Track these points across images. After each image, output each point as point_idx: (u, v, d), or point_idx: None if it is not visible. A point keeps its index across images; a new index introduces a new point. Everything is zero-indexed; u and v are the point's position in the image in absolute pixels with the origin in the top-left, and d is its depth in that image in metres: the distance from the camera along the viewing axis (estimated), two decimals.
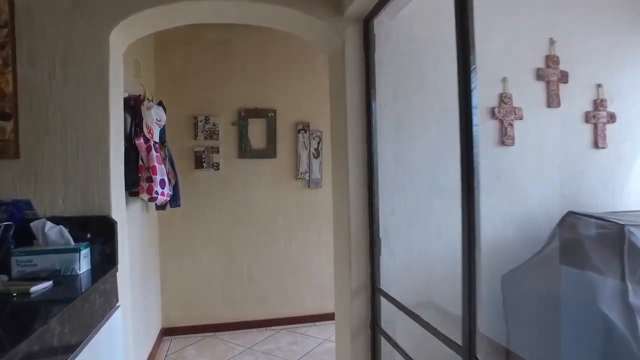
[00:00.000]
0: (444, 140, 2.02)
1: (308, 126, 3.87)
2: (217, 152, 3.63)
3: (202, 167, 3.60)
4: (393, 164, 2.00)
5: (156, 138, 2.47)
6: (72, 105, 1.71)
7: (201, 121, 3.60)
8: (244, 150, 3.70)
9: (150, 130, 2.41)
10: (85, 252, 1.52)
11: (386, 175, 1.97)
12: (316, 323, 3.86)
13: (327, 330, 3.71)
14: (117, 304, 1.67)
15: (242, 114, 3.70)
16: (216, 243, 3.67)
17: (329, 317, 3.90)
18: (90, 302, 1.34)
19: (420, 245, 2.08)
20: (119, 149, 1.92)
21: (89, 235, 1.66)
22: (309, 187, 3.89)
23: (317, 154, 3.90)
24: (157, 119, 2.48)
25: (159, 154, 2.46)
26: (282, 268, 3.83)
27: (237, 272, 3.73)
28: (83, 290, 1.30)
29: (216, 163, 3.63)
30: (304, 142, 3.84)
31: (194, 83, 3.62)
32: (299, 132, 3.84)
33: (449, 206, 2.14)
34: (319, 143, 3.90)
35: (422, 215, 2.07)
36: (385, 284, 1.97)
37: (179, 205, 3.05)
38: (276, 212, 3.81)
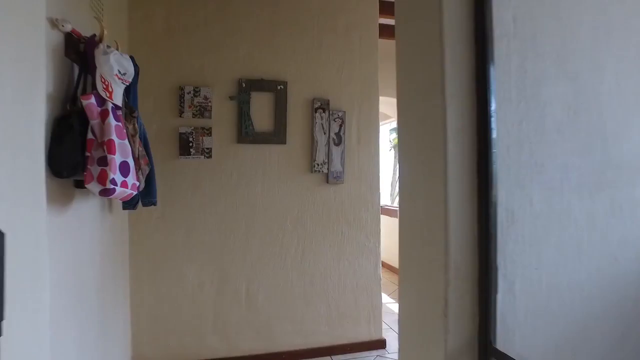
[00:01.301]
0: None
1: (327, 104, 3.04)
2: (209, 134, 2.79)
3: (189, 154, 2.75)
4: (513, 139, 1.17)
5: (117, 100, 1.62)
6: None
7: (189, 93, 2.75)
8: (245, 133, 2.86)
9: (107, 86, 1.57)
10: None
11: (502, 160, 1.15)
12: (333, 357, 3.04)
13: None
14: None
15: (243, 85, 2.86)
16: (206, 255, 2.83)
17: (347, 348, 3.07)
18: None
19: (557, 275, 1.26)
20: (39, 112, 1.08)
21: None
22: (327, 182, 3.06)
23: (339, 140, 3.07)
24: (119, 71, 1.64)
25: (120, 125, 1.61)
26: (291, 287, 3.00)
27: (233, 293, 2.88)
28: None
29: (207, 149, 2.79)
30: (322, 124, 3.01)
31: (180, 44, 2.78)
32: (315, 112, 3.01)
33: (612, 206, 1.33)
34: (340, 126, 3.07)
35: (561, 220, 1.24)
36: (502, 340, 1.14)
37: (154, 203, 2.21)
38: (285, 215, 2.98)
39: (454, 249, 1.12)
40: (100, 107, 1.53)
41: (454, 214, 1.11)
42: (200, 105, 2.77)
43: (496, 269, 1.12)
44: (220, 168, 2.84)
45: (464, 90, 1.12)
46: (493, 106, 1.12)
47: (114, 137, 1.53)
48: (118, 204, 2.26)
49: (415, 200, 1.28)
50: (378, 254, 3.27)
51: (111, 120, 1.54)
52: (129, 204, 2.14)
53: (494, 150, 1.12)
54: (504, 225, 1.16)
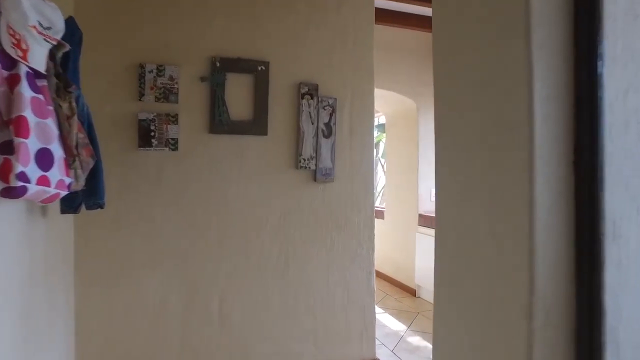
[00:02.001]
0: None
1: (316, 90, 2.63)
2: (175, 122, 2.34)
3: (150, 146, 2.29)
4: (616, 115, 0.79)
5: (36, 64, 1.17)
6: None
7: (151, 72, 2.30)
8: (219, 121, 2.42)
9: (19, 42, 1.11)
10: None
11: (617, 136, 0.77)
12: None
13: None
14: None
15: (218, 65, 2.43)
16: (171, 266, 2.38)
17: None
18: None
19: None
20: None
21: None
22: (315, 180, 2.65)
23: (329, 131, 2.66)
24: (39, 23, 1.18)
25: (42, 98, 1.16)
26: (272, 302, 2.58)
27: (204, 309, 2.44)
28: None
29: (173, 139, 2.34)
30: (309, 112, 2.60)
31: (141, 12, 2.32)
32: (302, 98, 2.59)
33: None
34: (331, 116, 2.67)
35: None
36: None
37: (101, 206, 1.76)
38: (265, 218, 2.56)
39: (542, 280, 0.72)
40: (7, 69, 1.08)
41: (543, 227, 0.72)
42: (164, 87, 2.32)
43: (602, 312, 0.73)
44: (189, 163, 2.40)
45: (560, 35, 0.73)
46: (601, 65, 0.73)
47: (27, 113, 1.08)
48: (55, 206, 1.79)
49: (466, 206, 0.88)
50: (372, 262, 2.89)
51: (24, 90, 1.09)
52: (68, 206, 1.68)
53: (601, 131, 0.73)
54: (605, 243, 0.77)
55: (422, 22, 4.83)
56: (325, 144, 2.65)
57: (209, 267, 2.44)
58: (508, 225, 0.76)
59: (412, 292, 5.35)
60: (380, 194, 9.57)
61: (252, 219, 2.53)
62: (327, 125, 2.66)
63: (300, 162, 2.58)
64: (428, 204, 5.35)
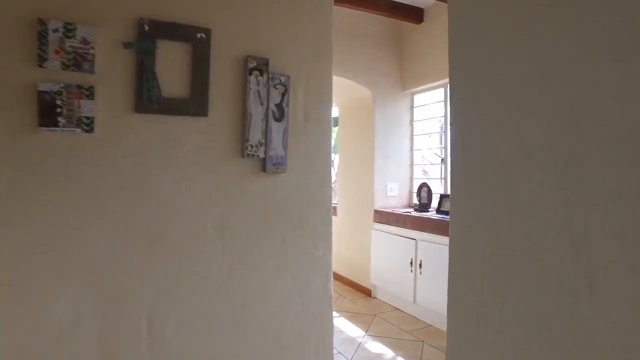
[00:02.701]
0: None
1: (266, 65, 2.26)
2: (90, 96, 1.89)
3: (56, 125, 1.83)
4: None
5: None
6: None
7: (56, 32, 1.83)
8: (147, 97, 2.00)
9: None
10: None
11: None
12: None
13: None
14: None
15: (146, 29, 2.00)
16: (85, 277, 1.92)
17: None
18: None
19: None
20: None
21: None
22: (264, 170, 2.29)
23: (281, 114, 2.31)
24: None
25: None
26: (215, 315, 2.19)
27: (128, 330, 2.01)
28: None
29: (87, 119, 1.88)
30: (258, 91, 2.24)
31: None
32: (250, 74, 2.22)
33: None
34: (283, 96, 2.32)
35: None
36: None
37: None
38: (205, 217, 2.16)
39: None
40: None
41: None
42: (75, 52, 1.86)
43: None
44: (108, 149, 1.95)
45: None
46: None
47: None
48: None
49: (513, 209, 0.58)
50: (329, 265, 2.58)
51: None
52: None
53: None
54: None
55: (381, 6, 4.57)
56: (276, 128, 2.29)
57: (135, 279, 2.01)
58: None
59: (367, 293, 5.12)
60: (333, 189, 9.32)
61: (189, 218, 2.13)
62: (279, 106, 2.30)
63: (247, 149, 2.21)
64: (384, 200, 5.12)
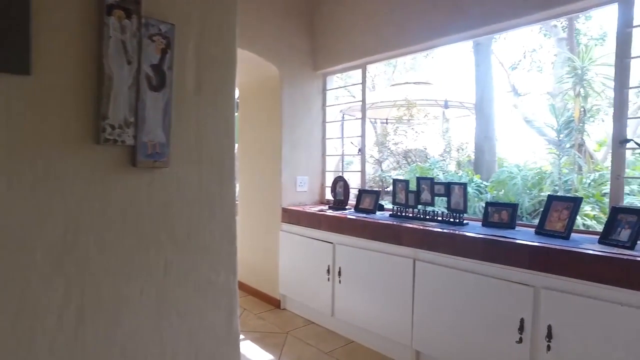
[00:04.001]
0: None
1: (137, 3, 1.51)
2: None
3: None
4: None
5: None
6: None
7: None
8: None
9: None
10: None
11: None
12: None
13: None
14: None
15: None
16: None
17: None
18: None
19: None
20: None
21: None
22: (133, 164, 1.55)
23: (161, 80, 1.59)
24: None
25: None
26: None
27: None
28: None
29: None
30: (122, 42, 1.48)
31: None
32: (110, 14, 1.45)
33: None
34: (164, 53, 1.59)
35: None
36: None
37: None
38: (34, 239, 1.37)
39: None
40: None
41: None
42: None
43: None
44: None
45: None
46: None
47: None
48: None
49: None
50: (234, 293, 1.92)
51: None
52: None
53: None
54: None
55: None
56: (153, 101, 1.56)
57: None
58: None
59: (275, 304, 4.53)
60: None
61: (5, 242, 1.31)
62: (158, 69, 1.57)
63: (104, 131, 1.45)
64: (293, 195, 4.55)
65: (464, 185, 3.16)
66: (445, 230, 2.95)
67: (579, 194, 6.61)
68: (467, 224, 3.15)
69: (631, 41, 2.66)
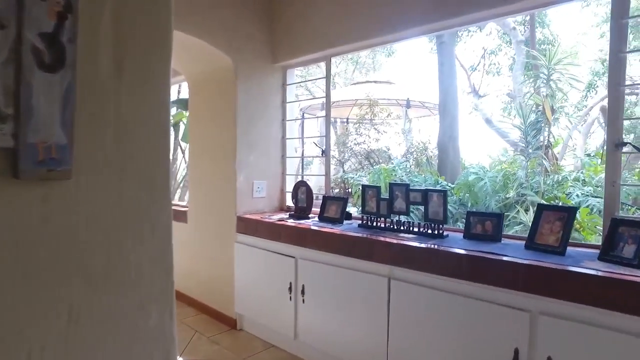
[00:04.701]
0: None
1: None
2: None
3: None
4: None
5: None
6: None
7: None
8: None
9: None
10: None
11: None
12: None
13: None
14: None
15: None
16: None
17: None
18: None
19: None
20: None
21: None
22: (15, 175, 1.10)
23: (57, 56, 1.14)
24: None
25: None
26: None
27: None
28: None
29: None
30: None
31: None
32: None
33: None
34: (62, 18, 1.14)
35: None
36: None
37: None
38: None
39: None
40: None
41: None
42: None
43: None
44: None
45: None
46: None
47: None
48: None
49: None
50: (171, 339, 1.50)
51: None
52: None
53: None
54: None
55: None
56: (46, 85, 1.12)
57: None
58: None
59: (231, 324, 4.09)
60: (180, 187, 7.96)
61: None
62: (52, 39, 1.12)
63: None
64: (249, 202, 4.13)
65: (443, 193, 2.85)
66: (424, 246, 2.62)
67: (545, 197, 6.54)
68: (447, 235, 2.84)
69: (627, 33, 2.43)
